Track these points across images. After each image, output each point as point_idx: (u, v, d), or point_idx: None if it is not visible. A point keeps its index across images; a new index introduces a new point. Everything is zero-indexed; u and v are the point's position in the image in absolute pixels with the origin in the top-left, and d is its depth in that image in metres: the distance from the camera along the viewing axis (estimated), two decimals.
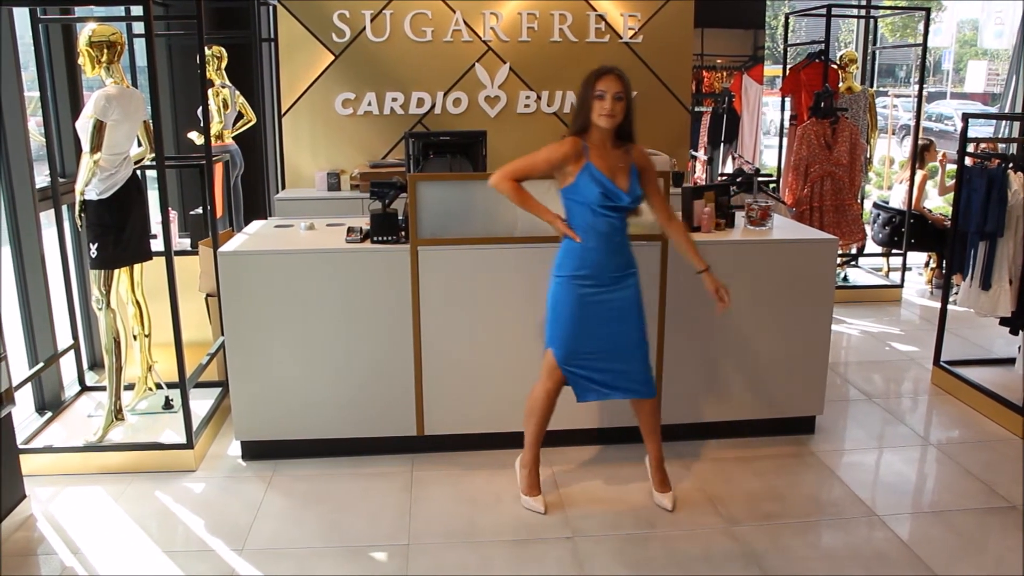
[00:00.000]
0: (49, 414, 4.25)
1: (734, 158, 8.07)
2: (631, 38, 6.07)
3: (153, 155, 3.95)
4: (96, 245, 3.89)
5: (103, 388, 4.35)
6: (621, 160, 3.27)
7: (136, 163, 4.04)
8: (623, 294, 3.35)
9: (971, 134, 4.71)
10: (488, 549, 3.27)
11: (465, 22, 5.89)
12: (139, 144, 4.12)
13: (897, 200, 7.17)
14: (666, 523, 3.45)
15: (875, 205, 7.46)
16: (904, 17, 16.47)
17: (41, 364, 4.20)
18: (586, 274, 3.30)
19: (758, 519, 3.49)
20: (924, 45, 7.01)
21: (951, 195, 5.47)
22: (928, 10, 7.08)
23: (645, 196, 3.33)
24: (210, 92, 6.38)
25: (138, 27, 4.83)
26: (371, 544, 3.31)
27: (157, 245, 4.18)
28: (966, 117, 4.77)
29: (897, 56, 23.04)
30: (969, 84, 23.98)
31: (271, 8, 6.49)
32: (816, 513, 3.56)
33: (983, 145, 5.85)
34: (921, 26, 7.11)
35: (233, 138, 6.83)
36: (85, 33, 3.80)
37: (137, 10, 4.39)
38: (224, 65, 6.69)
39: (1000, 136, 7.56)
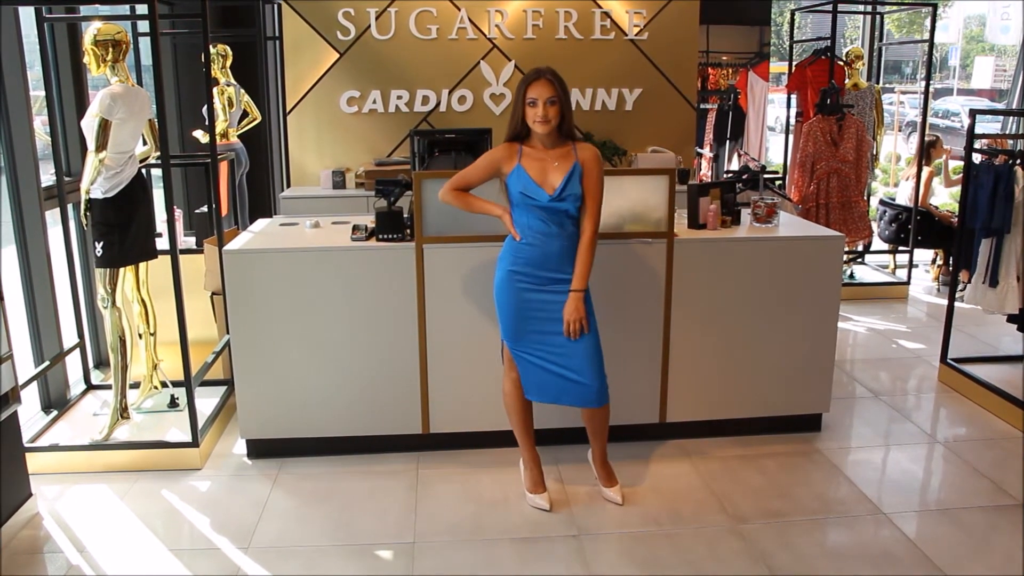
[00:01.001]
0: (55, 412, 4.26)
1: (740, 155, 8.05)
2: (636, 35, 6.06)
3: (158, 154, 3.96)
4: (101, 244, 3.89)
5: (109, 387, 4.35)
6: (560, 159, 3.25)
7: (141, 162, 4.04)
8: (562, 298, 3.30)
9: (978, 130, 4.69)
10: (494, 547, 3.26)
11: (470, 20, 5.89)
12: (144, 143, 4.12)
13: (903, 197, 7.15)
14: (672, 521, 3.44)
15: (881, 202, 7.44)
16: (911, 13, 16.43)
17: (47, 363, 4.21)
18: (521, 270, 3.32)
19: (765, 517, 3.47)
20: (931, 41, 6.98)
21: (957, 191, 5.45)
22: (935, 6, 7.04)
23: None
24: (215, 90, 6.39)
25: (143, 26, 4.86)
26: (377, 542, 3.31)
27: (162, 243, 4.19)
28: (973, 113, 4.74)
29: (904, 52, 22.99)
30: (976, 80, 23.92)
31: (276, 6, 6.49)
32: (823, 511, 3.54)
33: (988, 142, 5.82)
34: (928, 22, 7.08)
35: (238, 136, 6.83)
36: (90, 32, 3.80)
37: (142, 9, 4.43)
38: (229, 63, 6.69)
39: (1007, 132, 7.53)
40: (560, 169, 3.24)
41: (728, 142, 8.30)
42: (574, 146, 3.28)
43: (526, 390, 3.47)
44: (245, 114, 6.87)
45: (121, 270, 4.04)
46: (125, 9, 4.73)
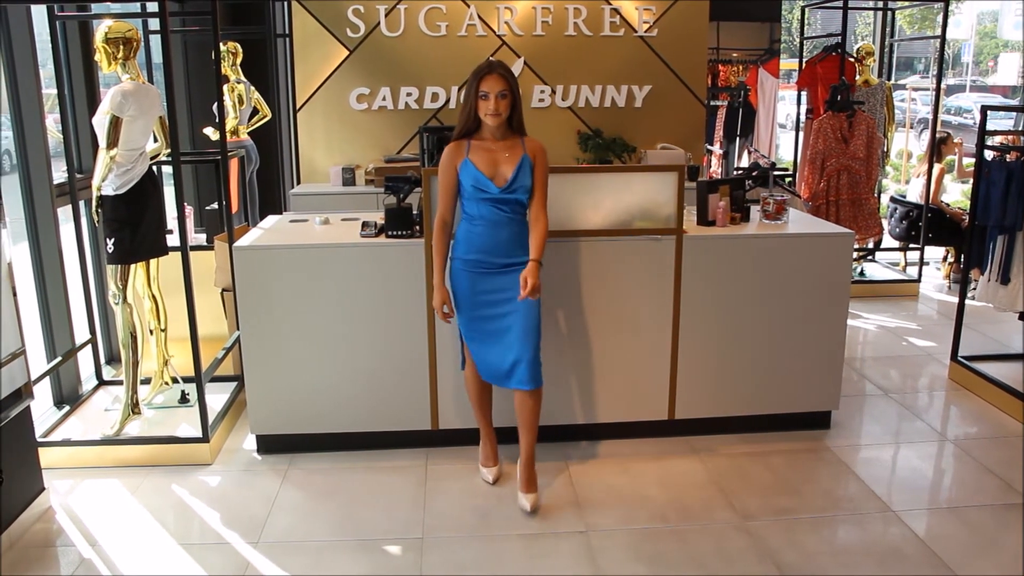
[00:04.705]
0: (67, 408, 4.29)
1: (750, 152, 8.03)
2: (646, 32, 6.05)
3: (169, 151, 3.97)
4: (113, 240, 3.92)
5: (120, 382, 4.38)
6: (509, 151, 3.36)
7: (152, 159, 4.06)
8: (513, 281, 3.37)
9: (990, 127, 4.66)
10: (502, 543, 3.27)
11: (480, 16, 5.89)
12: (155, 140, 4.14)
13: (914, 194, 7.12)
14: (680, 517, 3.44)
15: (892, 199, 7.41)
16: (922, 8, 16.34)
17: (59, 358, 4.24)
18: (475, 259, 3.41)
19: (772, 514, 3.47)
20: (943, 37, 6.94)
21: (968, 189, 5.42)
22: (947, 1, 6.99)
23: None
24: (225, 88, 6.41)
25: (154, 23, 4.87)
26: (385, 537, 3.32)
27: (173, 240, 4.21)
28: (984, 110, 4.72)
29: (916, 48, 22.88)
30: (1001, 77, 23.76)
31: (286, 3, 6.50)
32: (831, 509, 3.54)
33: (1000, 138, 5.79)
34: (940, 18, 7.04)
35: (248, 134, 6.85)
36: (101, 30, 3.82)
37: (153, 7, 4.44)
38: (239, 61, 6.71)
39: (1021, 129, 7.48)
40: (510, 161, 3.35)
41: (738, 139, 8.28)
42: (522, 139, 3.40)
43: (481, 372, 3.58)
44: (255, 111, 6.90)
45: (132, 266, 4.06)
46: (136, 7, 4.75)
